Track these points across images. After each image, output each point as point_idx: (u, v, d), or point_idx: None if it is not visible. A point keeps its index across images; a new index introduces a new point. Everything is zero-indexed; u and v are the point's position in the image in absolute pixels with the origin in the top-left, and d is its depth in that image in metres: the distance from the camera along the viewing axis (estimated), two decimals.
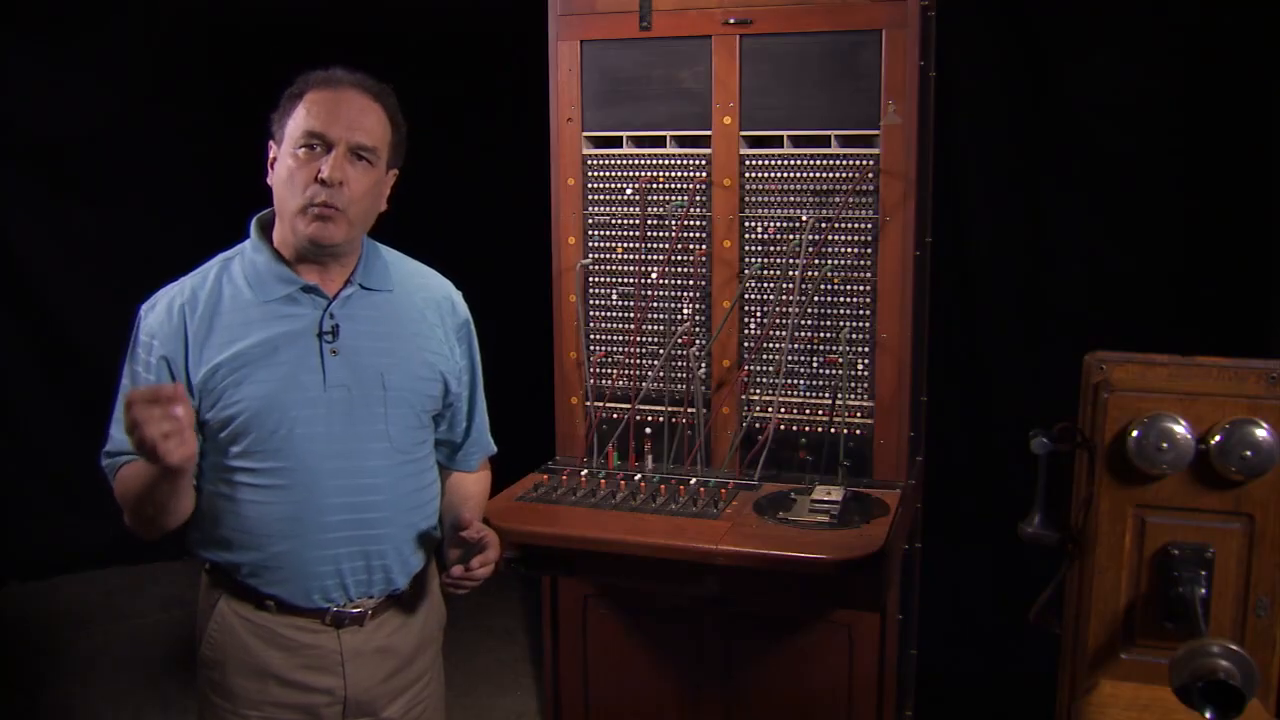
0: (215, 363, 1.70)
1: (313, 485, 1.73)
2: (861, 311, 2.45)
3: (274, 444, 1.71)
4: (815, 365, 2.49)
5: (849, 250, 2.44)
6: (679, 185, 2.53)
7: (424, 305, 1.89)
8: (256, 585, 1.76)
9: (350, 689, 1.80)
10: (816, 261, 2.45)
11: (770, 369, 2.52)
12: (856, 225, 2.43)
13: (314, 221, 1.69)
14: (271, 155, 1.76)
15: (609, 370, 2.62)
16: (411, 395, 1.83)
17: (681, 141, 2.51)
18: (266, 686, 1.77)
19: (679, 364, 2.58)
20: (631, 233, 2.57)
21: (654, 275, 2.57)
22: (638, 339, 2.60)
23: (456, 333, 1.93)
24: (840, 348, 2.46)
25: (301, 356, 1.73)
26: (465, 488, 2.01)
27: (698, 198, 2.51)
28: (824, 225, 2.44)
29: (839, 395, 2.46)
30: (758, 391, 2.54)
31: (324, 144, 1.69)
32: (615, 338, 2.62)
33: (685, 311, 2.56)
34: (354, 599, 1.79)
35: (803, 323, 2.48)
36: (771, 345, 2.51)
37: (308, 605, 1.76)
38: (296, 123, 1.71)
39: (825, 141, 2.42)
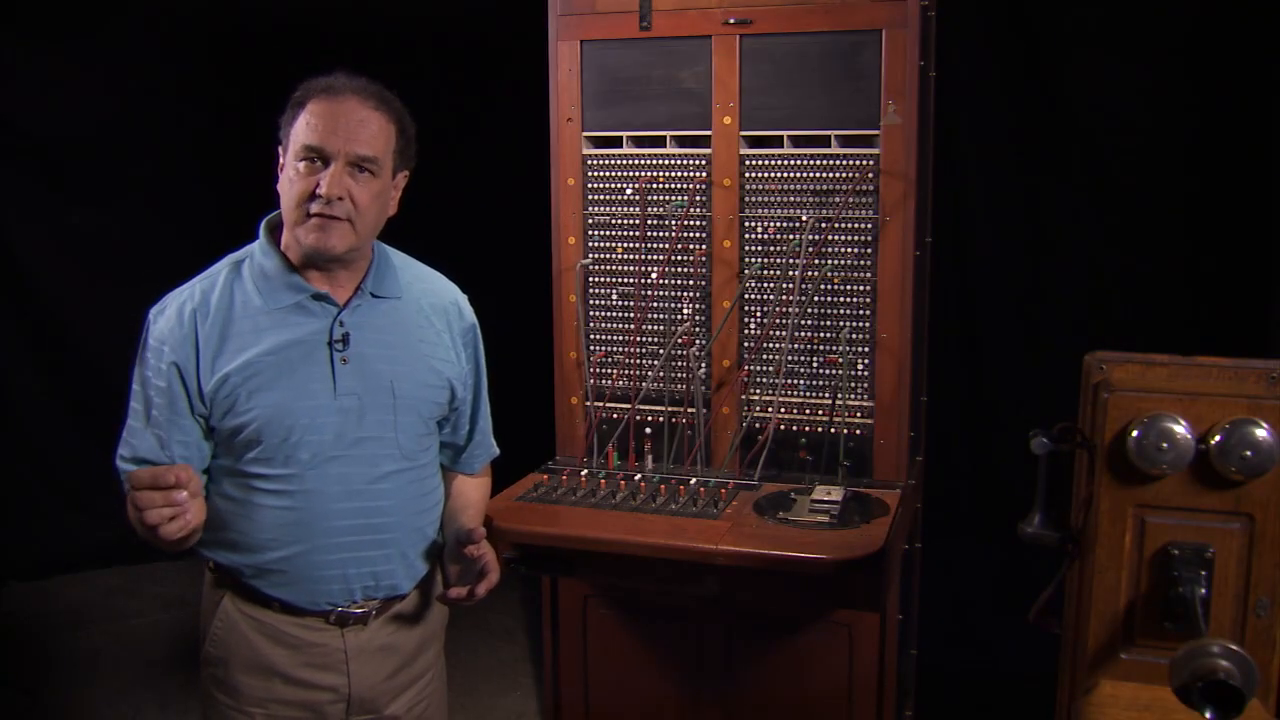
0: (226, 371, 1.69)
1: (321, 492, 1.73)
2: (861, 311, 2.45)
3: (284, 452, 1.71)
4: (815, 365, 2.49)
5: (849, 250, 2.44)
6: (679, 185, 2.53)
7: (431, 311, 1.88)
8: (261, 587, 1.76)
9: (354, 687, 1.80)
10: (816, 261, 2.45)
11: (770, 369, 2.52)
12: (856, 225, 2.43)
13: (314, 231, 1.69)
14: (280, 160, 1.76)
15: (609, 370, 2.62)
16: (419, 403, 1.83)
17: (681, 141, 2.51)
18: (271, 684, 1.77)
19: (679, 364, 2.58)
20: (631, 233, 2.57)
21: (654, 275, 2.57)
22: (638, 339, 2.60)
23: (463, 338, 1.93)
24: (840, 348, 2.46)
25: (312, 365, 1.73)
26: (467, 494, 2.01)
27: (698, 198, 2.51)
28: (824, 225, 2.44)
29: (839, 395, 2.46)
30: (758, 391, 2.54)
31: (322, 158, 1.69)
32: (615, 338, 2.62)
33: (685, 311, 2.56)
34: (358, 601, 1.79)
35: (803, 323, 2.48)
36: (771, 345, 2.51)
37: (313, 608, 1.77)
38: (297, 134, 1.71)
39: (825, 141, 2.42)
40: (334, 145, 1.69)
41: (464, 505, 1.98)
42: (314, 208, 1.68)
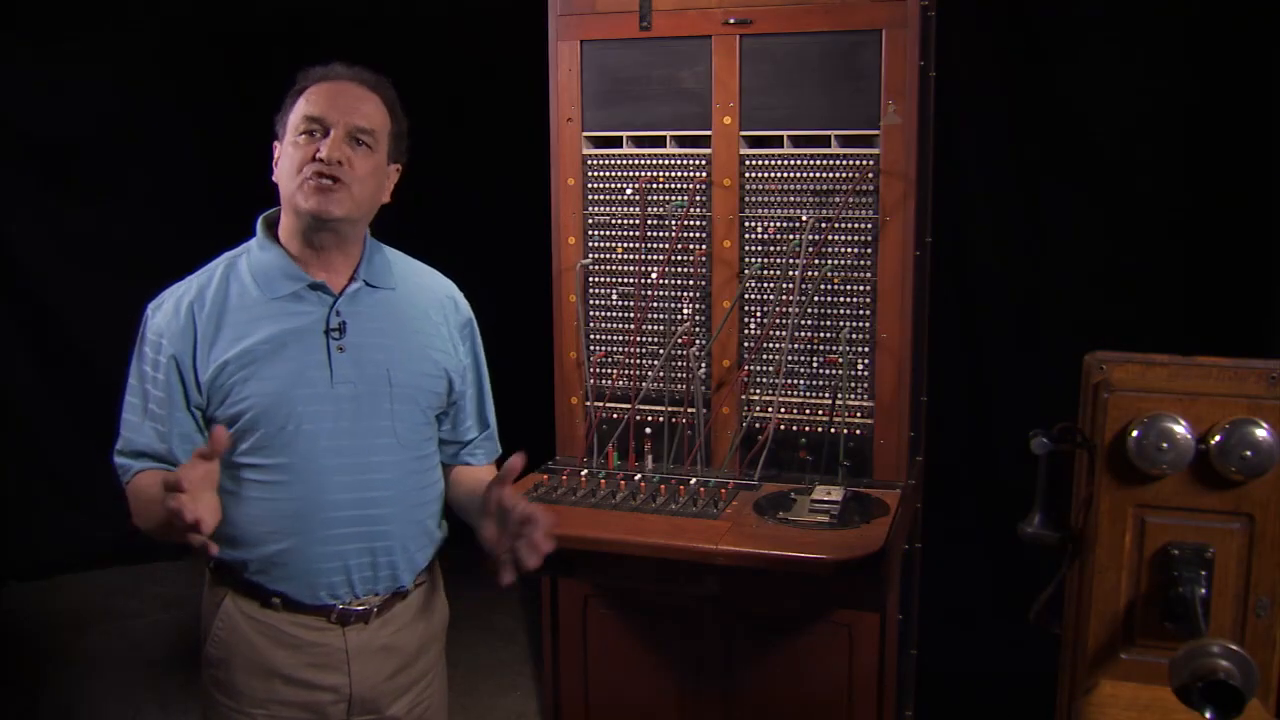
0: (223, 360, 1.70)
1: (320, 481, 1.73)
2: (861, 311, 2.45)
3: (281, 440, 1.71)
4: (815, 365, 2.49)
5: (849, 250, 2.44)
6: (679, 185, 2.53)
7: (427, 303, 1.89)
8: (263, 582, 1.76)
9: (355, 686, 1.80)
10: (816, 261, 2.45)
11: (770, 369, 2.52)
12: (856, 225, 2.43)
13: (314, 194, 1.69)
14: (276, 155, 1.77)
15: (609, 370, 2.62)
16: (417, 392, 1.83)
17: (681, 141, 2.51)
18: (272, 685, 1.77)
19: (679, 364, 2.58)
20: (631, 233, 2.57)
21: (654, 275, 2.57)
22: (638, 339, 2.60)
23: (460, 331, 1.94)
24: (840, 348, 2.46)
25: (309, 353, 1.74)
26: (481, 476, 1.99)
27: (698, 198, 2.51)
28: (824, 225, 2.44)
29: (839, 395, 2.46)
30: (758, 391, 2.54)
31: (323, 128, 1.71)
32: (615, 338, 2.62)
33: (685, 311, 2.56)
34: (360, 596, 1.79)
35: (803, 323, 2.48)
36: (771, 345, 2.51)
37: (314, 602, 1.76)
38: (297, 114, 1.73)
39: (825, 141, 2.42)
40: (334, 116, 1.71)
41: (486, 480, 1.96)
42: (313, 169, 1.69)
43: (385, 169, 1.80)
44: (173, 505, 1.45)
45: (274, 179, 1.77)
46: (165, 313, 1.74)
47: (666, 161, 2.53)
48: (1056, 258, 3.44)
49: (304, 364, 1.73)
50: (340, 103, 1.72)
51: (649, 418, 2.60)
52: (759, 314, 2.51)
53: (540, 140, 2.61)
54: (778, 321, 2.49)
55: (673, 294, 2.57)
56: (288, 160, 1.73)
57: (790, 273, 2.46)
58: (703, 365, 2.55)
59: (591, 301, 2.62)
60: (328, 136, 1.70)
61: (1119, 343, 1.49)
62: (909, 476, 2.47)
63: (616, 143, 2.56)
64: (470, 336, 1.97)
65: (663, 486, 2.39)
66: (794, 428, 2.51)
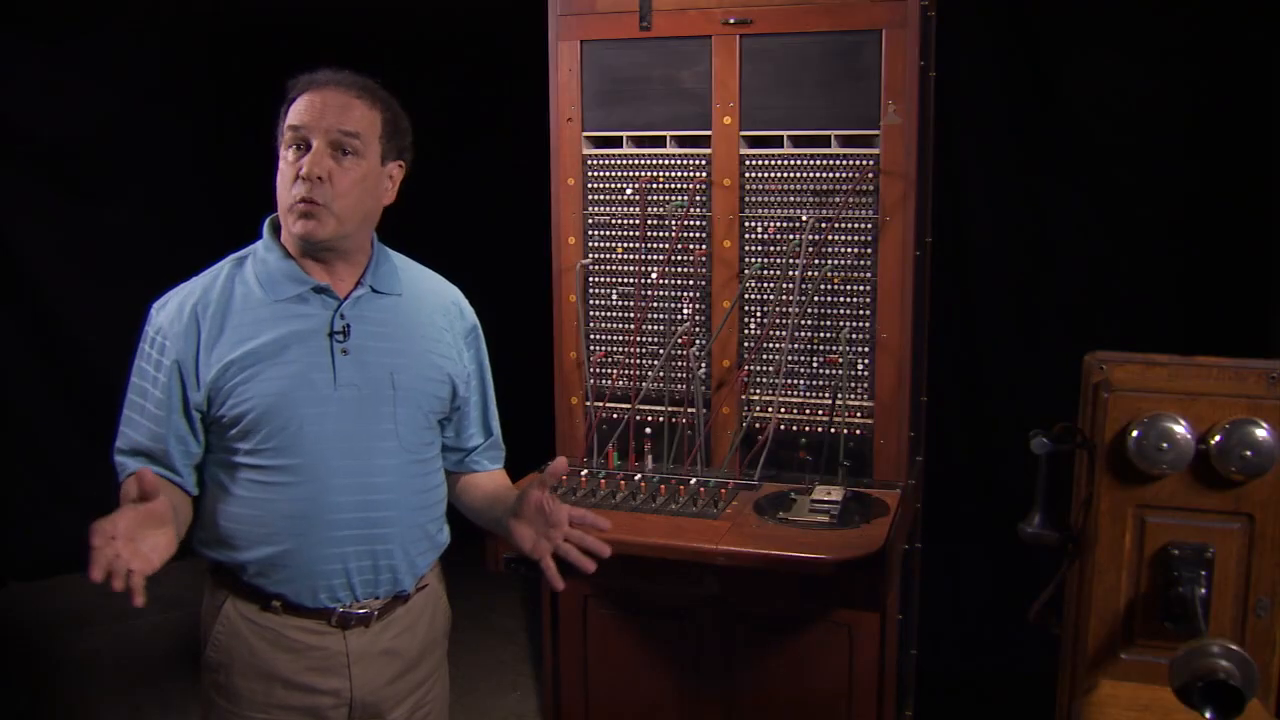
0: (226, 361, 1.70)
1: (321, 482, 1.73)
2: (861, 311, 2.45)
3: (283, 441, 1.71)
4: (815, 365, 2.49)
5: (849, 250, 2.44)
6: (679, 185, 2.53)
7: (433, 310, 1.89)
8: (263, 585, 1.75)
9: (356, 690, 1.80)
10: (816, 261, 2.45)
11: (770, 369, 2.52)
12: (856, 225, 2.43)
13: (299, 219, 1.71)
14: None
15: (609, 370, 2.62)
16: (420, 396, 1.83)
17: (681, 141, 2.52)
18: (272, 689, 1.77)
19: (679, 364, 2.58)
20: (631, 233, 2.57)
21: (654, 275, 2.57)
22: (638, 339, 2.60)
23: (465, 338, 1.94)
24: (840, 348, 2.46)
25: (312, 355, 1.74)
26: (499, 479, 2.01)
27: (698, 198, 2.51)
28: (824, 225, 2.44)
29: (839, 395, 2.46)
30: (758, 391, 2.54)
31: (305, 141, 1.71)
32: (615, 338, 2.62)
33: (685, 311, 2.56)
34: (360, 599, 1.79)
35: (803, 323, 2.48)
36: (771, 345, 2.51)
37: (314, 605, 1.76)
38: (284, 125, 1.74)
39: (825, 141, 2.42)
40: (316, 127, 1.71)
41: (501, 484, 1.99)
42: (297, 190, 1.69)
43: (378, 171, 1.79)
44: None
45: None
46: (169, 313, 1.74)
47: (666, 161, 2.53)
48: (1056, 258, 3.45)
49: (307, 366, 1.73)
50: (322, 112, 1.71)
51: (649, 418, 2.60)
52: (759, 314, 2.51)
53: (540, 140, 2.61)
54: (778, 321, 2.49)
55: (673, 294, 2.57)
56: (279, 174, 1.74)
57: (790, 273, 2.46)
58: (703, 365, 2.55)
59: (591, 301, 2.62)
60: (311, 149, 1.71)
61: (1119, 343, 1.49)
62: (909, 476, 2.47)
63: (616, 143, 2.56)
64: (475, 343, 1.97)
65: (663, 486, 2.39)
66: (794, 428, 2.51)
